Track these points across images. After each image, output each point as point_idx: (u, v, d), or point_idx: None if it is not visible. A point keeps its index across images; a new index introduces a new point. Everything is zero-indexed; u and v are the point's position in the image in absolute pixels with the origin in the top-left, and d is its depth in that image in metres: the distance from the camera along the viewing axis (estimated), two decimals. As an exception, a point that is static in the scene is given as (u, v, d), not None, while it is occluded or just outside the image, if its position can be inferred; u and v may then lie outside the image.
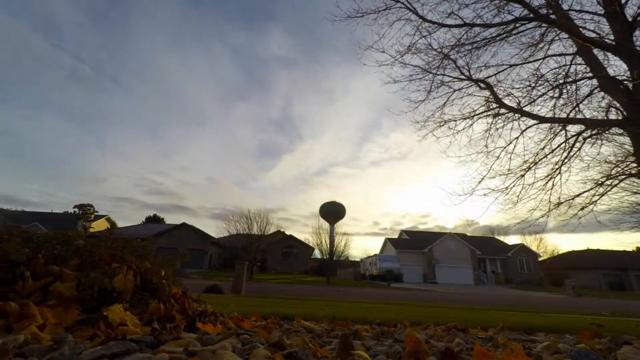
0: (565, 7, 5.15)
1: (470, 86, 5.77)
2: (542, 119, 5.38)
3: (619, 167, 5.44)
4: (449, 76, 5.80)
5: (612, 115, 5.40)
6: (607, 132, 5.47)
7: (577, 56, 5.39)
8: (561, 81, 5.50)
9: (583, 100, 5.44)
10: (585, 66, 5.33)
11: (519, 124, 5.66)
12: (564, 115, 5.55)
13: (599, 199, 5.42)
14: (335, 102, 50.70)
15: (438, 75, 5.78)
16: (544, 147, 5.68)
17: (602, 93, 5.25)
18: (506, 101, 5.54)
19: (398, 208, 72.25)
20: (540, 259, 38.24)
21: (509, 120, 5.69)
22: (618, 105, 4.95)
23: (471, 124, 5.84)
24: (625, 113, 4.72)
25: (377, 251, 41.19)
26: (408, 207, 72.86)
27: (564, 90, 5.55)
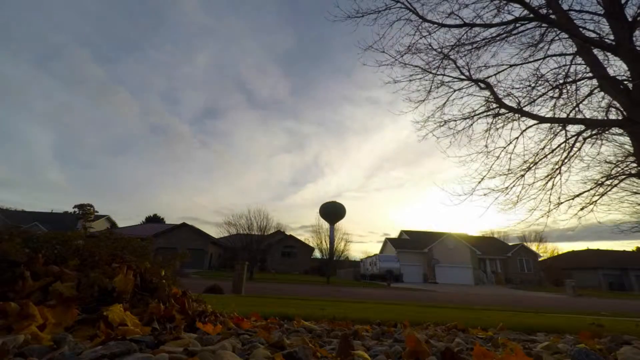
0: (565, 7, 5.15)
1: (470, 86, 5.78)
2: (542, 119, 5.38)
3: (619, 167, 5.45)
4: (449, 76, 5.80)
5: (612, 115, 5.40)
6: (607, 132, 5.47)
7: (577, 56, 5.39)
8: (561, 81, 5.50)
9: (583, 100, 5.45)
10: (585, 66, 5.33)
11: (519, 124, 5.66)
12: (564, 115, 5.55)
13: (599, 199, 5.42)
14: (350, 155, 74.58)
15: (438, 75, 5.78)
16: (544, 147, 5.69)
17: (602, 93, 5.26)
18: (506, 101, 5.55)
19: (402, 221, 78.52)
20: (540, 259, 38.22)
21: (509, 120, 5.70)
22: (618, 105, 4.95)
23: (471, 124, 5.85)
24: (625, 113, 4.72)
25: (377, 251, 41.20)
26: (411, 220, 78.65)
27: (564, 90, 5.55)
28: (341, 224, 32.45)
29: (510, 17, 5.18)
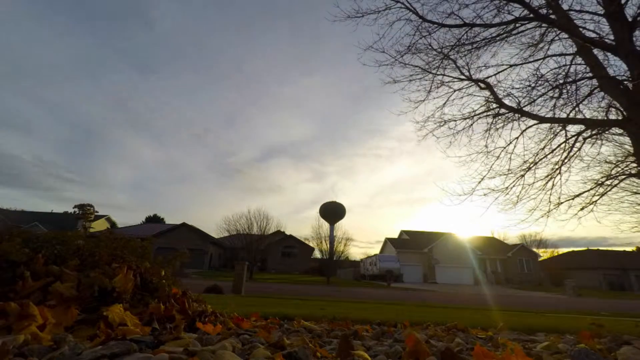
0: (565, 7, 5.15)
1: (470, 86, 5.78)
2: (542, 119, 5.38)
3: (619, 167, 5.45)
4: (449, 76, 5.80)
5: (612, 115, 5.40)
6: (607, 132, 5.47)
7: (577, 56, 5.39)
8: (561, 81, 5.50)
9: (583, 100, 5.44)
10: (585, 66, 5.32)
11: (519, 124, 5.66)
12: (564, 115, 5.55)
13: (599, 199, 5.42)
14: (359, 184, 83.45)
15: (438, 75, 5.78)
16: (544, 147, 5.69)
17: (602, 93, 5.26)
18: (506, 101, 5.55)
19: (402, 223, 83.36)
20: (540, 259, 38.22)
21: (509, 120, 5.69)
22: (618, 105, 4.95)
23: (471, 124, 5.85)
24: (625, 113, 4.72)
25: (377, 251, 41.21)
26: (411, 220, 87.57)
27: (564, 90, 5.54)
28: (342, 224, 32.45)
29: (510, 17, 5.18)
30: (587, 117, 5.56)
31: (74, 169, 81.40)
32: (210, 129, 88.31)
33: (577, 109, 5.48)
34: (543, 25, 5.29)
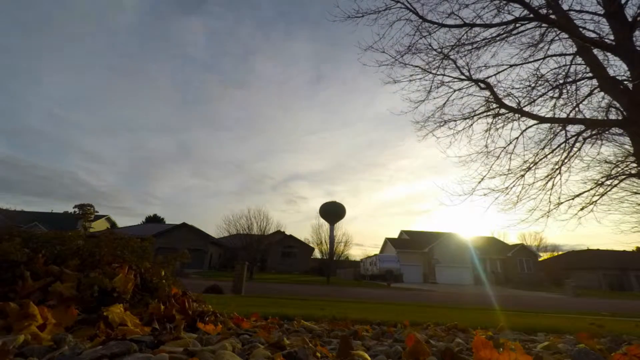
0: (565, 7, 5.15)
1: (470, 86, 5.78)
2: (542, 119, 5.38)
3: (619, 167, 5.44)
4: (449, 76, 5.80)
5: (612, 115, 5.40)
6: (607, 132, 5.47)
7: (577, 56, 5.39)
8: (561, 81, 5.50)
9: (583, 100, 5.45)
10: (585, 66, 5.33)
11: (519, 124, 5.66)
12: (564, 115, 5.55)
13: (599, 199, 5.42)
14: (363, 201, 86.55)
15: (438, 75, 5.78)
16: (544, 147, 5.69)
17: (602, 93, 5.26)
18: (506, 101, 5.55)
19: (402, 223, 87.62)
20: (540, 259, 38.21)
21: (509, 120, 5.70)
22: (618, 105, 4.95)
23: (471, 124, 5.85)
24: (625, 113, 4.72)
25: (377, 251, 41.20)
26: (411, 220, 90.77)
27: (564, 91, 5.55)
28: (342, 223, 32.46)
29: (510, 17, 5.18)
30: (587, 117, 5.56)
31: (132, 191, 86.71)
32: (245, 161, 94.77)
33: (577, 109, 5.49)
34: (543, 25, 5.29)
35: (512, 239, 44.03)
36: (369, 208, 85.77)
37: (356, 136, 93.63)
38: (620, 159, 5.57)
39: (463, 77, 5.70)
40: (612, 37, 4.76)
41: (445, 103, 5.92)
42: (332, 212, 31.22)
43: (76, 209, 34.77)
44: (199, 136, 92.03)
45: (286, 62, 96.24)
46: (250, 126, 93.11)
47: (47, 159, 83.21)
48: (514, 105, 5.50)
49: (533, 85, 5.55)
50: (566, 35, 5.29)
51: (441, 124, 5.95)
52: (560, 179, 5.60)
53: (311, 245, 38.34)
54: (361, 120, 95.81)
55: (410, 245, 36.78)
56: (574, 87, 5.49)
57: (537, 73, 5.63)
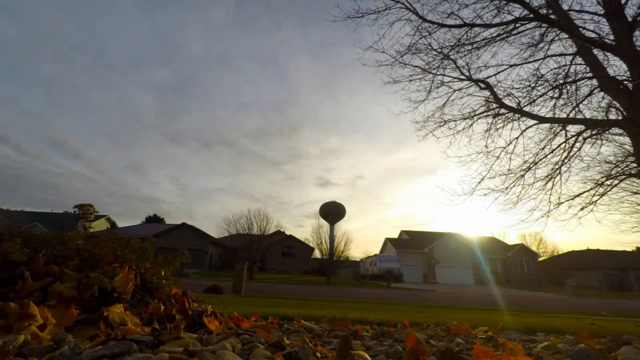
0: (565, 7, 5.15)
1: (470, 86, 5.78)
2: (542, 119, 5.38)
3: (619, 167, 5.45)
4: (449, 76, 5.80)
5: (612, 115, 5.40)
6: (607, 132, 5.47)
7: (577, 56, 5.39)
8: (561, 81, 5.50)
9: (583, 100, 5.45)
10: (585, 66, 5.33)
11: (519, 124, 5.66)
12: (564, 115, 5.55)
13: (599, 199, 5.42)
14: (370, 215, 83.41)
15: (438, 75, 5.78)
16: (544, 147, 5.69)
17: (602, 93, 5.26)
18: (506, 101, 5.55)
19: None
20: (540, 259, 38.21)
21: (509, 120, 5.70)
22: (618, 105, 4.95)
23: (471, 124, 5.85)
24: (625, 113, 4.72)
25: (377, 251, 41.21)
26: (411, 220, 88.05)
27: (564, 91, 5.55)
28: (342, 223, 32.46)
29: (510, 17, 5.18)
30: (587, 117, 5.56)
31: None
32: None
33: (577, 109, 5.49)
34: (543, 25, 5.29)
35: (512, 239, 44.03)
36: (372, 219, 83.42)
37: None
38: (620, 159, 5.57)
39: (463, 77, 5.70)
40: (612, 37, 4.76)
41: (445, 103, 5.93)
42: (332, 212, 31.21)
43: (76, 209, 34.78)
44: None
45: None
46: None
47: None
48: (514, 105, 5.50)
49: (533, 85, 5.55)
50: (566, 35, 5.29)
51: (441, 124, 5.95)
52: (560, 179, 5.61)
53: (311, 245, 38.38)
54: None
55: (410, 245, 36.78)
56: (574, 87, 5.49)
57: (537, 73, 5.63)
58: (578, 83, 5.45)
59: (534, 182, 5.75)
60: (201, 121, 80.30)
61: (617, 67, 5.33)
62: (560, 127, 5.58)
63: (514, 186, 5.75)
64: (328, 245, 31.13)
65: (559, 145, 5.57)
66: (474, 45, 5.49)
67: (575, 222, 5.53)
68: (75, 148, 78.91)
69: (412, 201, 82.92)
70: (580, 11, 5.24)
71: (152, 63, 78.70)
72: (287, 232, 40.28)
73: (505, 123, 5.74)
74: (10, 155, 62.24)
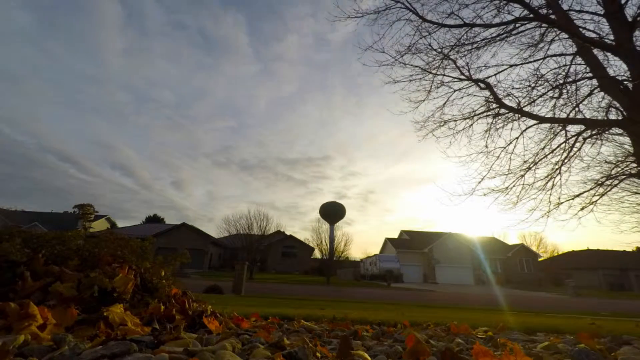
0: (565, 7, 5.16)
1: (470, 86, 5.78)
2: (542, 119, 5.38)
3: (619, 167, 5.45)
4: (449, 76, 5.80)
5: (612, 115, 5.40)
6: (607, 132, 5.47)
7: (577, 56, 5.39)
8: (561, 81, 5.50)
9: (583, 100, 5.45)
10: (585, 66, 5.33)
11: (519, 124, 5.67)
12: (564, 115, 5.55)
13: (599, 199, 5.42)
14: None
15: (438, 75, 5.78)
16: (544, 147, 5.69)
17: (602, 93, 5.26)
18: (506, 101, 5.55)
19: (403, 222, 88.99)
20: (540, 259, 38.21)
21: (509, 120, 5.70)
22: (618, 105, 4.95)
23: (471, 124, 5.85)
24: (625, 113, 4.72)
25: (377, 251, 41.21)
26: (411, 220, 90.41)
27: (564, 91, 5.55)
28: (343, 225, 32.46)
29: (510, 17, 5.18)
30: (587, 117, 5.56)
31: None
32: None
33: (577, 109, 5.49)
34: (543, 25, 5.30)
35: (512, 239, 44.05)
36: (373, 226, 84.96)
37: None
38: (620, 159, 5.57)
39: (463, 77, 5.71)
40: (612, 37, 4.76)
41: (445, 103, 5.93)
42: (332, 212, 31.23)
43: (76, 209, 34.80)
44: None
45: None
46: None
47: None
48: (514, 105, 5.50)
49: (533, 85, 5.55)
50: (566, 35, 5.29)
51: (441, 124, 5.95)
52: (560, 179, 5.61)
53: (311, 245, 38.38)
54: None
55: (410, 245, 36.78)
56: (574, 87, 5.49)
57: (537, 73, 5.63)
58: (578, 83, 5.45)
59: (534, 182, 5.76)
60: (249, 153, 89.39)
61: (617, 67, 5.34)
62: (560, 127, 5.58)
63: (514, 186, 5.75)
64: (328, 246, 31.15)
65: (559, 145, 5.57)
66: (474, 45, 5.49)
67: (575, 222, 5.53)
68: (132, 169, 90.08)
69: (414, 207, 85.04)
70: (580, 11, 5.24)
71: (222, 117, 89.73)
72: (288, 233, 40.32)
73: (505, 123, 5.74)
74: (74, 174, 77.63)
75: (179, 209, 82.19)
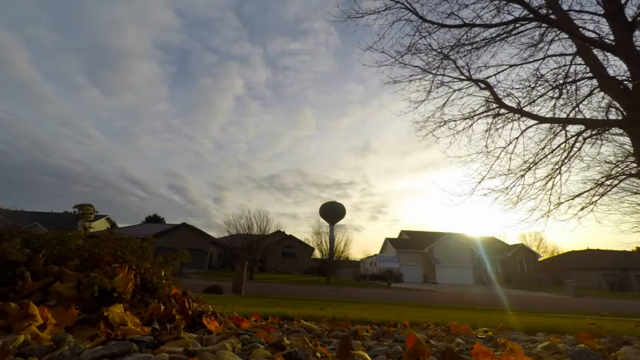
0: (565, 7, 5.15)
1: (470, 86, 5.78)
2: (542, 119, 5.38)
3: (619, 167, 5.45)
4: (448, 76, 5.80)
5: (612, 115, 5.40)
6: (607, 132, 5.47)
7: (577, 56, 5.39)
8: (561, 81, 5.50)
9: (583, 100, 5.45)
10: (585, 66, 5.33)
11: (519, 124, 5.66)
12: (564, 116, 5.55)
13: (599, 199, 5.42)
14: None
15: (438, 75, 5.78)
16: (544, 147, 5.69)
17: (602, 93, 5.26)
18: (506, 101, 5.55)
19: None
20: (540, 259, 38.23)
21: (509, 120, 5.70)
22: (618, 105, 4.95)
23: (471, 124, 5.85)
24: (625, 113, 4.72)
25: (377, 251, 41.21)
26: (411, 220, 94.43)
27: (564, 91, 5.55)
28: (342, 223, 32.45)
29: (510, 18, 5.18)
30: (587, 117, 5.56)
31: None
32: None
33: (577, 109, 5.49)
34: (543, 25, 5.30)
35: (512, 239, 44.08)
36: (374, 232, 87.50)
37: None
38: (620, 159, 5.57)
39: (463, 77, 5.70)
40: (612, 37, 4.76)
41: (445, 103, 5.93)
42: (332, 212, 31.25)
43: (76, 209, 34.75)
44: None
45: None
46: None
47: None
48: (514, 105, 5.50)
49: (533, 85, 5.55)
50: (566, 35, 5.29)
51: (441, 124, 5.95)
52: (560, 179, 5.61)
53: (311, 245, 38.37)
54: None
55: (410, 245, 36.79)
56: (574, 87, 5.50)
57: (537, 73, 5.63)
58: (578, 83, 5.45)
59: (534, 182, 5.75)
60: (290, 180, 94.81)
61: (617, 67, 5.34)
62: (560, 127, 5.59)
63: (514, 186, 5.75)
64: (328, 246, 31.14)
65: (559, 145, 5.57)
66: (474, 46, 5.49)
67: (575, 222, 5.53)
68: (186, 189, 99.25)
69: (419, 214, 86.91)
70: (580, 11, 5.24)
71: (280, 159, 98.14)
72: (288, 232, 40.33)
73: (505, 123, 5.74)
74: (138, 193, 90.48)
75: (209, 217, 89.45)
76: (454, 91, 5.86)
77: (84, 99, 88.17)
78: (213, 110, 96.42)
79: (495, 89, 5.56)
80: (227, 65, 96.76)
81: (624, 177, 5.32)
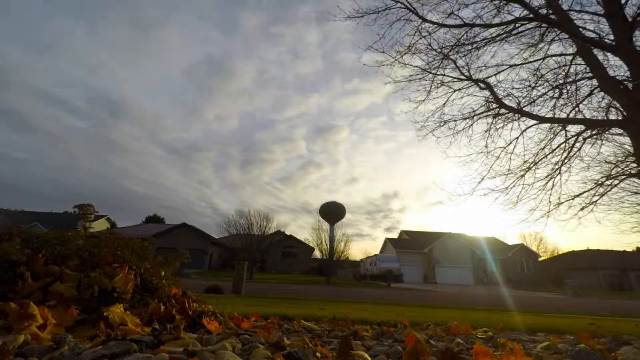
0: (565, 7, 5.15)
1: (470, 86, 5.78)
2: (542, 119, 5.38)
3: (619, 167, 5.45)
4: (449, 76, 5.80)
5: (612, 115, 5.40)
6: (607, 132, 5.47)
7: (577, 56, 5.39)
8: (561, 81, 5.51)
9: (583, 100, 5.45)
10: (585, 66, 5.33)
11: (519, 124, 5.67)
12: (564, 115, 5.56)
13: (599, 199, 5.42)
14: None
15: (438, 75, 5.78)
16: (544, 147, 5.69)
17: (602, 93, 5.26)
18: (506, 101, 5.55)
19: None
20: (540, 259, 38.20)
21: (509, 120, 5.70)
22: (618, 105, 4.95)
23: (471, 124, 5.85)
24: (625, 113, 4.72)
25: (377, 251, 41.20)
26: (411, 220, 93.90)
27: (564, 91, 5.55)
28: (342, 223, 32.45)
29: (510, 17, 5.18)
30: (587, 117, 5.56)
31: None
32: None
33: (577, 109, 5.49)
34: (543, 25, 5.29)
35: (512, 239, 44.09)
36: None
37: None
38: (620, 159, 5.58)
39: (463, 77, 5.71)
40: (612, 37, 4.76)
41: (445, 103, 5.93)
42: (332, 212, 31.18)
43: (76, 209, 34.75)
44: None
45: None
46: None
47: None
48: (514, 105, 5.50)
49: (533, 85, 5.55)
50: (566, 35, 5.29)
51: (441, 124, 5.95)
52: (560, 179, 5.61)
53: (311, 245, 38.38)
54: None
55: (410, 245, 36.77)
56: (574, 87, 5.50)
57: (537, 73, 5.64)
58: (578, 83, 5.46)
59: (534, 182, 5.76)
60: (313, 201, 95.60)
61: (617, 67, 5.34)
62: (560, 127, 5.59)
63: (514, 186, 5.76)
64: (328, 246, 31.14)
65: (559, 145, 5.58)
66: (474, 45, 5.49)
67: (575, 222, 5.54)
68: (213, 203, 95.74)
69: (418, 216, 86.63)
70: (580, 11, 5.25)
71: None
72: (288, 232, 40.33)
73: (505, 123, 5.74)
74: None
75: (209, 217, 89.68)
76: (454, 91, 5.86)
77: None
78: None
79: (495, 89, 5.56)
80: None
81: (624, 177, 5.33)
